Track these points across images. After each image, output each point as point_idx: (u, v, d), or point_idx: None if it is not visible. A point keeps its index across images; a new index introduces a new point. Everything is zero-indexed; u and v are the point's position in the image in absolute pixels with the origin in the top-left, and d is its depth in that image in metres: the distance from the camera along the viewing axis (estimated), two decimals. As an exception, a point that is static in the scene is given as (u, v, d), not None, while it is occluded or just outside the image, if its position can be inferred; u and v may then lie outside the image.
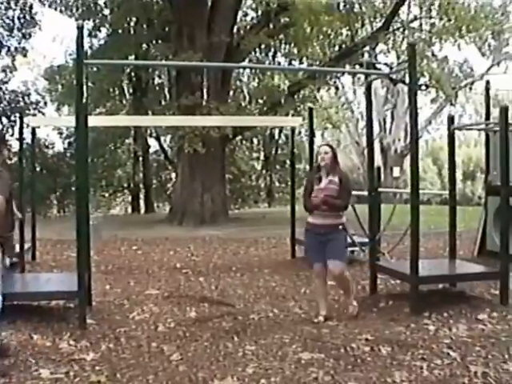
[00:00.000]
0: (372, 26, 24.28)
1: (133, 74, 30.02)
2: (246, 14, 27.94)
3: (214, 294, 8.40)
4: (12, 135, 29.14)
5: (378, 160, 36.12)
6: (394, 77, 19.03)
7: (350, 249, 11.29)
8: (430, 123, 40.50)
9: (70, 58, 31.85)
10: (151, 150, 36.28)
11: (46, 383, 4.78)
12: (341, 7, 22.54)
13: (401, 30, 23.06)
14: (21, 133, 11.38)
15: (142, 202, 36.20)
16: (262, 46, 26.07)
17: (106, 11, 26.80)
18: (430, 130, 42.85)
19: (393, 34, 22.82)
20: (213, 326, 6.55)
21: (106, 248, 13.27)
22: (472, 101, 38.53)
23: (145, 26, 26.29)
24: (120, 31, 26.75)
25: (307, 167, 16.80)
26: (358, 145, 43.01)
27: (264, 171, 39.41)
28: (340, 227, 6.62)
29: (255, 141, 38.15)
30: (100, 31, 27.57)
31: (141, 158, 35.13)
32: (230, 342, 5.92)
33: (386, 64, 22.03)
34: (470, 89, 27.47)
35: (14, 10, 28.09)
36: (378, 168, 8.39)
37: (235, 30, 23.34)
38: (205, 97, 19.86)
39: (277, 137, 37.73)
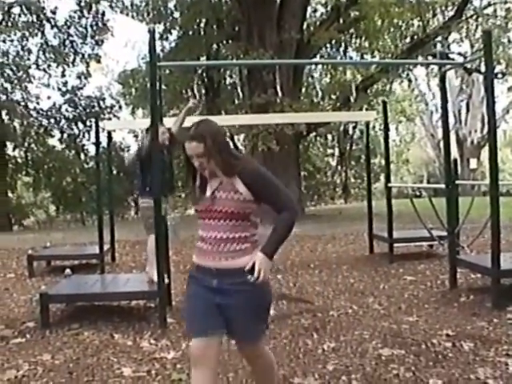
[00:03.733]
0: (444, 15, 23.84)
1: (204, 74, 30.29)
2: (315, 10, 27.85)
3: (293, 291, 8.39)
4: (88, 140, 29.92)
5: (455, 152, 35.52)
6: (468, 66, 18.66)
7: (428, 243, 11.18)
8: (508, 112, 39.53)
9: (142, 62, 32.38)
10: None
11: (128, 381, 4.86)
12: (411, -3, 22.16)
13: (474, 17, 22.46)
14: (97, 137, 11.58)
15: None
16: (333, 41, 25.92)
17: (176, 14, 27.18)
18: (508, 119, 41.88)
19: (466, 22, 22.27)
20: (292, 323, 6.54)
21: (183, 248, 13.39)
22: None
23: (214, 26, 26.48)
24: (190, 33, 27.06)
25: (382, 162, 16.61)
26: (433, 137, 42.34)
27: (339, 167, 39.18)
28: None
29: (329, 137, 37.98)
30: (171, 34, 27.95)
31: (216, 158, 35.41)
32: (309, 338, 5.90)
33: (459, 53, 21.64)
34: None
35: (87, 17, 28.85)
36: (455, 160, 8.23)
37: (305, 26, 23.27)
38: (277, 94, 19.82)
39: (351, 132, 37.51)
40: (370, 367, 4.99)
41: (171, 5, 27.27)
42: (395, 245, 10.77)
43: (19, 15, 27.42)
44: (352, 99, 22.62)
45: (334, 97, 28.49)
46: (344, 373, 4.89)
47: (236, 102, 26.93)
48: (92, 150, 30.24)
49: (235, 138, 32.22)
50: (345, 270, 10.03)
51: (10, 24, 27.45)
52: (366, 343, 5.64)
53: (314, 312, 7.01)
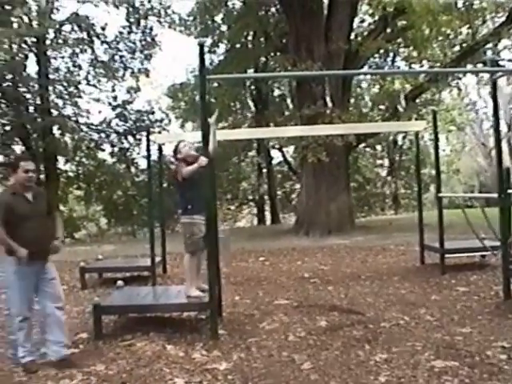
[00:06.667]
0: (494, 21, 23.49)
1: (253, 87, 30.47)
2: (362, 20, 27.77)
3: (344, 303, 8.35)
4: (138, 153, 30.25)
5: (507, 161, 34.97)
6: (520, 73, 18.39)
7: (480, 253, 11.01)
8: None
9: (190, 76, 32.74)
10: (274, 162, 36.61)
11: (181, 392, 4.90)
12: (459, 5, 21.87)
13: (525, 23, 22.11)
14: (148, 150, 11.68)
15: (267, 214, 36.52)
16: (381, 51, 25.80)
17: (224, 27, 27.41)
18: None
19: (517, 28, 21.95)
20: (343, 335, 6.51)
21: (234, 260, 13.44)
22: None
23: (262, 39, 26.63)
24: (238, 46, 27.25)
25: (433, 172, 16.44)
26: (485, 146, 41.82)
27: (389, 178, 38.97)
28: None
29: (379, 147, 37.81)
30: (218, 47, 28.21)
31: (265, 170, 35.53)
32: (361, 350, 5.87)
33: (510, 60, 21.31)
34: None
35: (136, 33, 29.27)
36: (507, 169, 8.10)
37: (352, 36, 23.21)
38: (327, 105, 19.77)
39: (400, 142, 37.28)
40: (422, 379, 4.94)
41: (218, 18, 27.54)
42: (447, 255, 10.64)
43: (70, 32, 27.97)
44: (401, 109, 22.50)
45: (382, 107, 28.35)
46: (396, 384, 4.86)
47: (285, 113, 26.88)
48: (142, 163, 30.63)
49: (284, 150, 32.35)
50: (396, 281, 9.95)
51: (61, 41, 28.03)
52: (418, 355, 5.58)
53: (365, 323, 6.97)
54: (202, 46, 6.67)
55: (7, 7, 24.25)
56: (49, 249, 5.83)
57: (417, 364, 5.31)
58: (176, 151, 7.47)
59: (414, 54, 25.60)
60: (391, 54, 27.99)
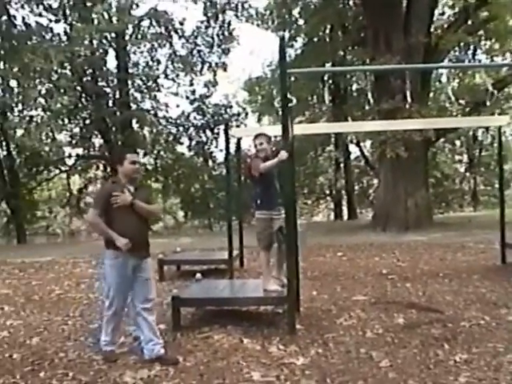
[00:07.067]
0: None
1: (330, 81, 30.29)
2: (442, 13, 27.27)
3: (422, 300, 8.21)
4: (216, 147, 30.54)
5: None
6: None
7: None
8: None
9: (267, 70, 32.80)
10: (352, 157, 36.37)
11: (257, 386, 4.90)
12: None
13: None
14: (227, 144, 11.74)
15: (344, 209, 36.36)
16: (461, 44, 25.29)
17: (301, 21, 27.29)
18: None
19: None
20: (421, 333, 6.40)
21: (311, 255, 13.40)
22: None
23: (340, 32, 26.42)
24: (315, 39, 27.10)
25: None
26: None
27: (468, 174, 38.26)
28: None
29: (458, 143, 37.16)
30: (296, 41, 28.13)
31: (342, 165, 35.37)
32: (440, 349, 5.75)
33: None
34: None
35: (214, 27, 29.49)
36: None
37: (432, 29, 22.82)
38: (406, 100, 19.50)
39: (480, 137, 36.54)
40: (505, 382, 4.80)
41: (296, 12, 27.45)
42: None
43: (148, 27, 28.44)
44: (483, 103, 22.03)
45: (462, 101, 27.82)
46: (477, 386, 4.75)
47: (365, 107, 26.62)
48: (219, 156, 30.91)
49: (362, 145, 32.11)
50: (476, 280, 9.73)
51: (139, 36, 28.48)
52: (500, 356, 5.43)
53: (444, 322, 6.83)
54: (282, 39, 6.65)
55: (88, 4, 24.83)
56: (146, 244, 5.87)
57: (499, 366, 5.17)
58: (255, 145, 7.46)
59: (496, 46, 25.04)
60: (472, 47, 27.39)
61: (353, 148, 35.16)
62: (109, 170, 30.24)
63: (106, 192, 5.71)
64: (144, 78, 29.21)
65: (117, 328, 5.90)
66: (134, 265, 5.63)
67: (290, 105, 6.88)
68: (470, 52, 28.27)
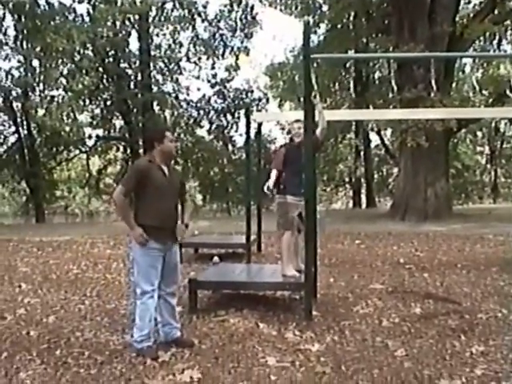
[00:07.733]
0: None
1: (353, 68, 30.15)
2: (468, 2, 26.98)
3: (439, 291, 8.15)
4: (236, 131, 30.56)
5: None
6: None
7: None
8: None
9: (290, 55, 32.69)
10: (372, 145, 36.26)
11: (273, 371, 4.86)
12: None
13: None
14: (248, 128, 11.69)
15: (363, 197, 36.30)
16: (486, 34, 25.02)
17: (325, 7, 27.16)
18: None
19: None
20: (438, 324, 6.35)
21: (329, 242, 13.38)
22: None
23: (364, 19, 26.24)
24: (339, 26, 26.94)
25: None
26: None
27: (489, 165, 38.03)
28: None
29: (479, 134, 36.93)
30: (319, 27, 27.99)
31: (362, 153, 35.28)
32: (456, 340, 5.70)
33: None
34: None
35: (237, 11, 29.42)
36: None
37: (457, 18, 22.58)
38: (429, 89, 19.33)
39: (502, 129, 36.28)
40: (523, 375, 4.76)
41: (320, -2, 27.32)
42: (551, 247, 10.29)
43: (172, 10, 28.42)
44: (507, 94, 21.83)
45: (486, 92, 27.57)
46: (493, 379, 4.66)
47: (386, 96, 26.45)
48: (239, 141, 30.90)
49: (382, 133, 31.96)
50: (494, 272, 9.64)
51: (162, 18, 28.46)
52: (517, 349, 5.39)
53: (461, 313, 6.77)
54: (307, 24, 6.58)
55: (112, -14, 24.79)
56: (176, 229, 5.49)
57: (517, 359, 5.13)
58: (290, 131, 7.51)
59: (523, 36, 24.79)
60: (497, 37, 27.11)
61: (373, 136, 35.08)
62: (129, 151, 30.37)
63: (140, 170, 5.29)
64: (166, 61, 29.27)
65: (149, 318, 5.35)
66: (164, 249, 5.32)
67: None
68: (495, 42, 27.95)
